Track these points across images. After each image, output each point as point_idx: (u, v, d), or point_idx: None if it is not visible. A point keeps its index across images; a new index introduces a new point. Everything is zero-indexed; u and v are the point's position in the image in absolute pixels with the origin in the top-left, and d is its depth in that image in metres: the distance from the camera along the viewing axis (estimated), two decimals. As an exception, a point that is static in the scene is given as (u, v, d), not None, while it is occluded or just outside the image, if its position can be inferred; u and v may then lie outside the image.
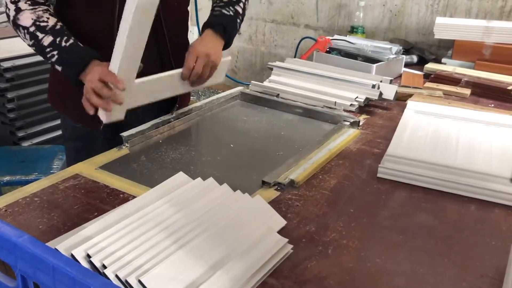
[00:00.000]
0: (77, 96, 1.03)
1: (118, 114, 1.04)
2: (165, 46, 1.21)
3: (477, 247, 0.82)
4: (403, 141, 1.15)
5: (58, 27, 1.05)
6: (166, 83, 1.13)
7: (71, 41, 1.04)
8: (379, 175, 1.04)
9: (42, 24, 1.04)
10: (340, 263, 0.76)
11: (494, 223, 0.89)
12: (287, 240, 0.77)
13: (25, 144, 2.14)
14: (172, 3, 1.20)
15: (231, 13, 1.20)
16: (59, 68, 1.06)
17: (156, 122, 1.22)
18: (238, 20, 1.22)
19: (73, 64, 1.03)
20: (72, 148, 1.28)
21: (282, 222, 0.85)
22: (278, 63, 1.65)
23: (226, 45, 1.19)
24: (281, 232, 0.81)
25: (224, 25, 1.17)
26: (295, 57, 2.00)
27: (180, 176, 0.94)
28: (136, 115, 1.16)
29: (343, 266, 0.75)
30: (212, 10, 1.22)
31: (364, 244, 0.81)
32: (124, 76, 0.99)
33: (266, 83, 1.57)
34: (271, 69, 1.64)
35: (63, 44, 1.03)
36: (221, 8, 1.21)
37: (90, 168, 1.03)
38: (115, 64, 0.98)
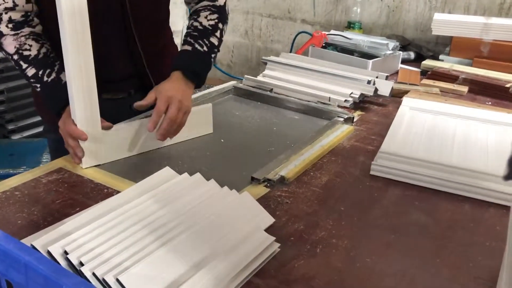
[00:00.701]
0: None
1: (94, 160, 1.00)
2: (139, 56, 1.16)
3: (470, 248, 0.79)
4: (398, 138, 1.13)
5: (41, 55, 1.02)
6: (142, 134, 1.06)
7: (53, 75, 1.01)
8: (372, 172, 1.01)
9: (25, 53, 1.02)
10: (328, 263, 0.73)
11: (488, 223, 0.87)
12: (274, 238, 0.75)
13: (15, 137, 2.11)
14: (144, 6, 1.12)
15: (205, 48, 1.10)
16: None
17: (145, 115, 1.19)
18: (213, 55, 1.13)
19: (53, 104, 1.02)
20: (53, 140, 1.25)
21: (270, 220, 0.82)
22: (272, 58, 1.62)
23: (197, 86, 1.11)
24: (269, 230, 0.79)
25: (196, 71, 1.08)
26: (291, 52, 1.97)
27: (166, 171, 0.91)
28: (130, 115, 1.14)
29: (332, 266, 0.73)
30: (185, 40, 1.12)
31: (354, 243, 0.78)
32: (84, 125, 0.96)
33: (259, 78, 1.54)
34: (266, 63, 1.61)
35: (45, 79, 1.01)
36: (194, 42, 1.10)
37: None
38: (73, 115, 0.96)
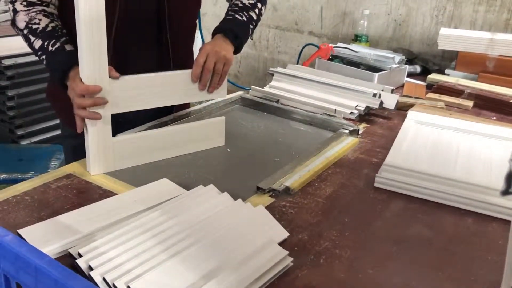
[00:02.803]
0: (68, 99, 1.02)
1: (103, 168, 1.01)
2: (167, 59, 1.19)
3: (472, 261, 0.80)
4: (402, 151, 1.14)
5: (49, 28, 1.04)
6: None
7: (57, 45, 1.02)
8: (376, 184, 1.02)
9: (34, 26, 1.04)
10: (331, 273, 0.74)
11: (491, 237, 0.87)
12: (287, 252, 0.75)
13: (24, 142, 2.14)
14: (180, 15, 1.18)
15: (245, 18, 1.17)
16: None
17: (154, 124, 1.21)
18: (251, 27, 1.19)
19: (56, 71, 1.02)
20: (70, 146, 1.27)
21: (284, 234, 0.82)
22: (279, 69, 1.64)
23: (236, 51, 1.16)
24: (273, 239, 0.80)
25: (235, 32, 1.14)
26: (297, 63, 1.99)
27: (164, 182, 0.93)
28: (138, 112, 1.15)
29: (334, 276, 0.74)
30: (226, 14, 1.20)
31: (357, 255, 0.79)
32: (92, 79, 0.95)
33: (266, 89, 1.56)
34: (272, 74, 1.63)
35: (50, 48, 1.02)
36: (234, 13, 1.18)
37: (84, 168, 1.02)
38: (81, 71, 0.95)
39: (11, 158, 1.86)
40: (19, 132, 2.14)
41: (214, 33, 1.15)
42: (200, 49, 1.09)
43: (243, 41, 1.17)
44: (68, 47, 1.02)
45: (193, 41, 1.32)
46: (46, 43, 1.02)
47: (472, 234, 0.88)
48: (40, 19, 1.04)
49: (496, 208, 0.93)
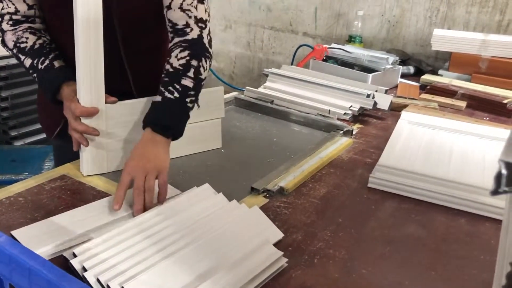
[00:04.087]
0: (42, 101, 1.01)
1: (97, 169, 1.01)
2: (125, 75, 1.13)
3: (465, 261, 0.81)
4: (396, 151, 1.15)
5: (36, 46, 1.03)
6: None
7: (46, 62, 1.01)
8: (369, 185, 1.03)
9: (22, 45, 1.03)
10: (325, 273, 0.74)
11: (483, 237, 0.88)
12: (282, 253, 0.75)
13: (18, 143, 2.13)
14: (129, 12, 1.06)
15: (176, 94, 0.96)
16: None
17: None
18: (188, 99, 0.97)
19: (47, 90, 1.02)
20: (58, 147, 1.26)
21: (279, 235, 0.82)
22: (274, 70, 1.65)
23: (175, 138, 0.98)
24: (267, 240, 0.80)
25: (164, 123, 0.95)
26: (292, 64, 1.99)
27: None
28: None
29: (328, 276, 0.74)
30: (158, 88, 0.99)
31: (351, 255, 0.80)
32: (89, 103, 0.96)
33: (261, 89, 1.57)
34: (267, 75, 1.64)
35: (40, 66, 1.01)
36: (164, 89, 0.97)
37: (77, 169, 1.01)
38: (78, 95, 0.97)
39: (4, 159, 1.85)
40: (13, 133, 2.14)
41: (143, 125, 0.97)
42: (124, 167, 0.91)
43: (179, 126, 0.98)
44: (57, 64, 1.02)
45: (159, 66, 1.08)
46: (35, 62, 1.02)
47: (465, 234, 0.89)
48: (27, 38, 1.03)
49: (488, 208, 0.94)
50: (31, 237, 0.76)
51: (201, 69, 1.00)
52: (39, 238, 0.76)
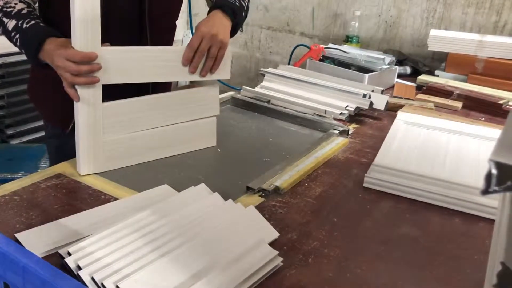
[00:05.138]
0: (50, 94, 0.99)
1: (93, 168, 1.00)
2: None
3: (459, 261, 0.81)
4: (391, 151, 1.15)
5: (24, 11, 1.01)
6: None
7: (32, 22, 0.99)
8: (365, 184, 1.03)
9: (8, 9, 1.02)
10: (320, 273, 0.75)
11: (478, 237, 0.88)
12: (277, 252, 0.75)
13: (14, 142, 2.13)
14: (161, 16, 1.16)
15: (237, 3, 1.12)
16: (23, 51, 1.02)
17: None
18: (243, 13, 1.15)
19: (30, 44, 0.97)
20: (53, 146, 1.26)
21: (274, 234, 0.82)
22: (270, 70, 1.65)
23: (233, 31, 1.12)
24: (262, 239, 0.80)
25: (233, 8, 1.09)
26: (289, 64, 1.99)
27: (164, 188, 0.93)
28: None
29: (323, 276, 0.74)
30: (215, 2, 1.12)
31: (345, 254, 0.80)
32: (85, 47, 0.92)
33: (257, 89, 1.57)
34: (264, 75, 1.64)
35: (24, 26, 0.99)
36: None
37: (73, 168, 1.01)
38: (74, 39, 0.92)
39: (0, 157, 1.84)
40: (9, 131, 2.13)
41: (210, 10, 1.10)
42: (196, 29, 1.04)
43: (240, 21, 1.12)
44: (43, 25, 1.00)
45: (171, 41, 1.29)
46: (20, 22, 0.99)
47: (459, 233, 0.89)
48: (16, 4, 1.02)
49: (483, 208, 0.94)
50: (34, 240, 0.75)
51: (248, 7, 1.18)
52: (43, 241, 0.75)
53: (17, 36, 1.00)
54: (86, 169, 1.00)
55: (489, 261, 0.45)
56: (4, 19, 1.02)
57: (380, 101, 1.46)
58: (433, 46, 1.93)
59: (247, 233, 0.80)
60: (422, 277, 0.76)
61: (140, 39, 1.15)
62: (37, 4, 1.11)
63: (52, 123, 1.24)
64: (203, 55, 1.04)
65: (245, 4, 1.17)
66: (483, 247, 0.85)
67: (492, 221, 0.93)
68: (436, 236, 0.88)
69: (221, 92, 1.38)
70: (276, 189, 0.98)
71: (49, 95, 0.98)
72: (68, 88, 0.95)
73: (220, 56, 1.06)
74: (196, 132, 1.14)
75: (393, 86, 1.82)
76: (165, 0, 1.17)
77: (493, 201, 0.95)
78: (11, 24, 1.00)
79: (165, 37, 1.23)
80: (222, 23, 1.06)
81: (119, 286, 0.64)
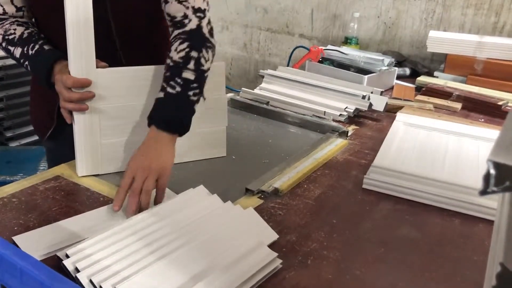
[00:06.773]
0: (36, 103, 1.01)
1: (91, 170, 1.00)
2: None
3: (459, 262, 0.81)
4: (390, 152, 1.15)
5: (25, 35, 1.03)
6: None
7: (36, 47, 1.01)
8: (364, 186, 1.03)
9: (10, 37, 1.03)
10: (319, 274, 0.74)
11: (477, 238, 0.88)
12: (276, 254, 0.75)
13: (13, 144, 2.13)
14: (124, 23, 1.09)
15: (178, 88, 0.94)
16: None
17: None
18: (191, 92, 0.95)
19: (40, 71, 1.00)
20: (50, 149, 1.26)
21: (274, 236, 0.82)
22: (269, 71, 1.65)
23: (180, 134, 0.96)
24: (261, 241, 0.80)
25: (169, 120, 0.93)
26: (288, 65, 1.99)
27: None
28: None
29: (322, 278, 0.74)
30: (161, 84, 0.97)
31: (344, 256, 0.80)
32: (80, 72, 0.94)
33: (256, 91, 1.57)
34: (263, 76, 1.64)
35: (30, 52, 1.01)
36: (166, 85, 0.95)
37: (72, 170, 1.01)
38: (69, 63, 0.94)
39: (-1, 160, 1.84)
40: (8, 134, 2.13)
41: (148, 121, 0.95)
42: (126, 165, 0.91)
43: (183, 120, 0.95)
44: (47, 47, 1.01)
45: (149, 54, 1.14)
46: (25, 49, 1.01)
47: (459, 235, 0.89)
48: (15, 29, 1.03)
49: (483, 209, 0.94)
50: (32, 243, 0.75)
51: (202, 60, 0.98)
52: (41, 244, 0.75)
53: (26, 63, 1.02)
54: (84, 171, 1.00)
55: (488, 262, 0.45)
56: (10, 47, 1.03)
57: (379, 103, 1.46)
58: (432, 47, 1.93)
59: (246, 235, 0.79)
60: (421, 278, 0.76)
61: (109, 39, 1.08)
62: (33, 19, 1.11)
63: (35, 128, 1.27)
64: (139, 193, 0.86)
65: (191, 72, 0.96)
66: (482, 248, 0.85)
67: (492, 222, 0.93)
68: (436, 237, 0.88)
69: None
70: (275, 191, 0.98)
71: (34, 104, 0.99)
72: (62, 110, 0.97)
73: (162, 185, 0.89)
74: (205, 140, 1.12)
75: (392, 88, 1.82)
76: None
77: (493, 202, 0.95)
78: (17, 51, 1.02)
79: (138, 36, 1.13)
80: (156, 146, 0.92)
81: (117, 289, 0.64)
